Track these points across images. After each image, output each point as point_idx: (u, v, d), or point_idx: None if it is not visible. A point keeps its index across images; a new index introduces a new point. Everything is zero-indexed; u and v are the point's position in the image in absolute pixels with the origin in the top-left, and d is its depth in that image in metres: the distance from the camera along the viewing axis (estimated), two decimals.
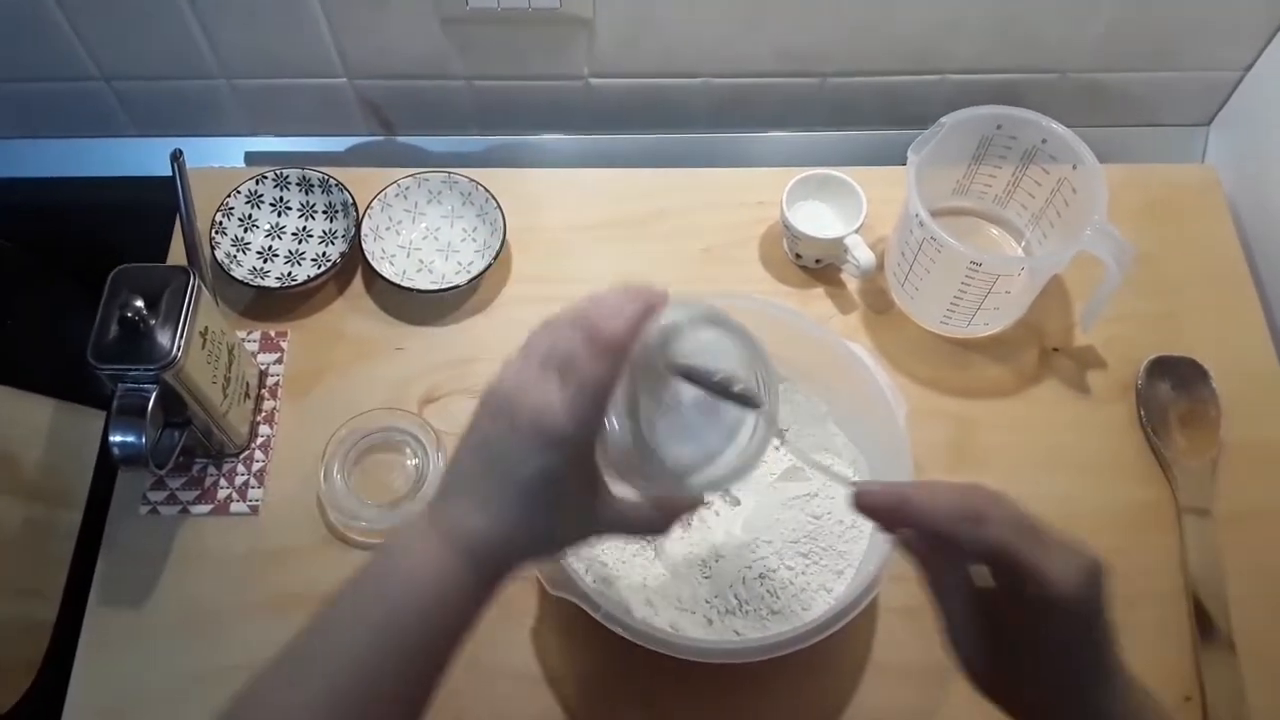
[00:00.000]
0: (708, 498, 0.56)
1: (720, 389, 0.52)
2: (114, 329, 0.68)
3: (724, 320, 0.53)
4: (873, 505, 0.49)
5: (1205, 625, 0.74)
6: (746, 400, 0.52)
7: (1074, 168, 0.79)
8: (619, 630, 0.64)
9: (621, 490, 0.53)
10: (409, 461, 0.81)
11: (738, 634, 0.70)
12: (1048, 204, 0.84)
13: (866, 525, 0.74)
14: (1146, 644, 0.75)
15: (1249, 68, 0.95)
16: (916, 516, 0.48)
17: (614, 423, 0.50)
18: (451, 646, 0.49)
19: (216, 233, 0.87)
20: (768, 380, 0.54)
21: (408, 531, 0.51)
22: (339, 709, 0.47)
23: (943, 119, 0.80)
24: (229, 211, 0.88)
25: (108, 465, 0.83)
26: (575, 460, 0.49)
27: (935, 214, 0.77)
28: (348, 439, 0.80)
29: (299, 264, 0.89)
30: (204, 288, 0.72)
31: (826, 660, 0.73)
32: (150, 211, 0.90)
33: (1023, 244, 0.89)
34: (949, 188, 0.89)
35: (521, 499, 0.49)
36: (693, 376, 0.52)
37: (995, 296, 0.79)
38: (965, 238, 0.75)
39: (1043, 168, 0.82)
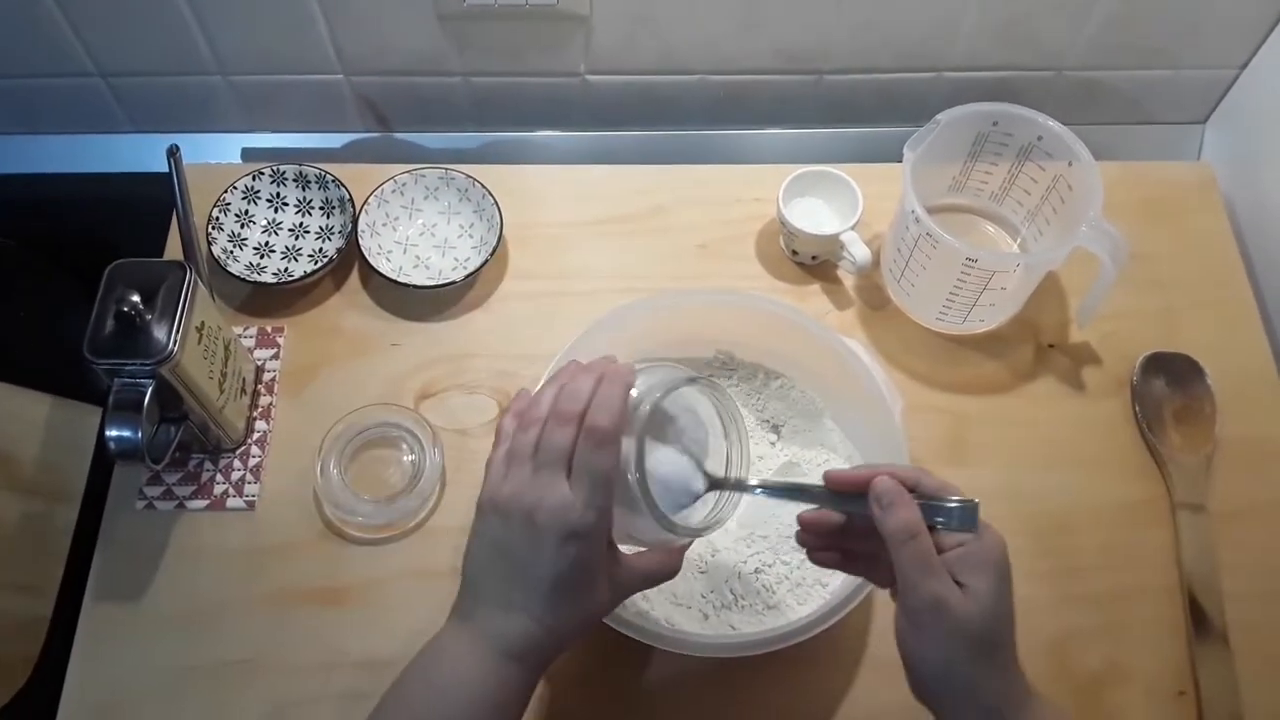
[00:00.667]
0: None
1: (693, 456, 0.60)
2: (110, 323, 0.68)
3: (684, 380, 0.57)
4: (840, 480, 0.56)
5: (1200, 620, 0.74)
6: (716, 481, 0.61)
7: (1070, 164, 0.79)
8: (615, 625, 0.64)
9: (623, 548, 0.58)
10: (405, 457, 0.81)
11: (733, 629, 0.70)
12: (1043, 201, 0.84)
13: None
14: (1141, 639, 0.75)
15: (1244, 65, 0.95)
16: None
17: (641, 513, 0.55)
18: None
19: (213, 228, 0.87)
20: (734, 424, 0.61)
21: (452, 645, 0.56)
22: None
23: (939, 116, 0.80)
24: (225, 207, 0.88)
25: (105, 461, 0.83)
26: (599, 544, 0.54)
27: (931, 211, 0.77)
28: (344, 434, 0.80)
29: (295, 260, 0.89)
30: (200, 283, 0.72)
31: (823, 654, 0.73)
32: (147, 207, 0.89)
33: (1018, 241, 0.89)
34: (945, 185, 0.89)
35: (559, 595, 0.53)
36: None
37: (991, 293, 0.79)
38: (961, 234, 0.76)
39: (1038, 165, 0.82)
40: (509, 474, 0.55)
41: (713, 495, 0.61)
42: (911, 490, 0.54)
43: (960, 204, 0.91)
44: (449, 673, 0.55)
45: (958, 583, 0.52)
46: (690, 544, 0.61)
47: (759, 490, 0.61)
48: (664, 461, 0.59)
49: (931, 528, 0.53)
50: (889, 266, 0.87)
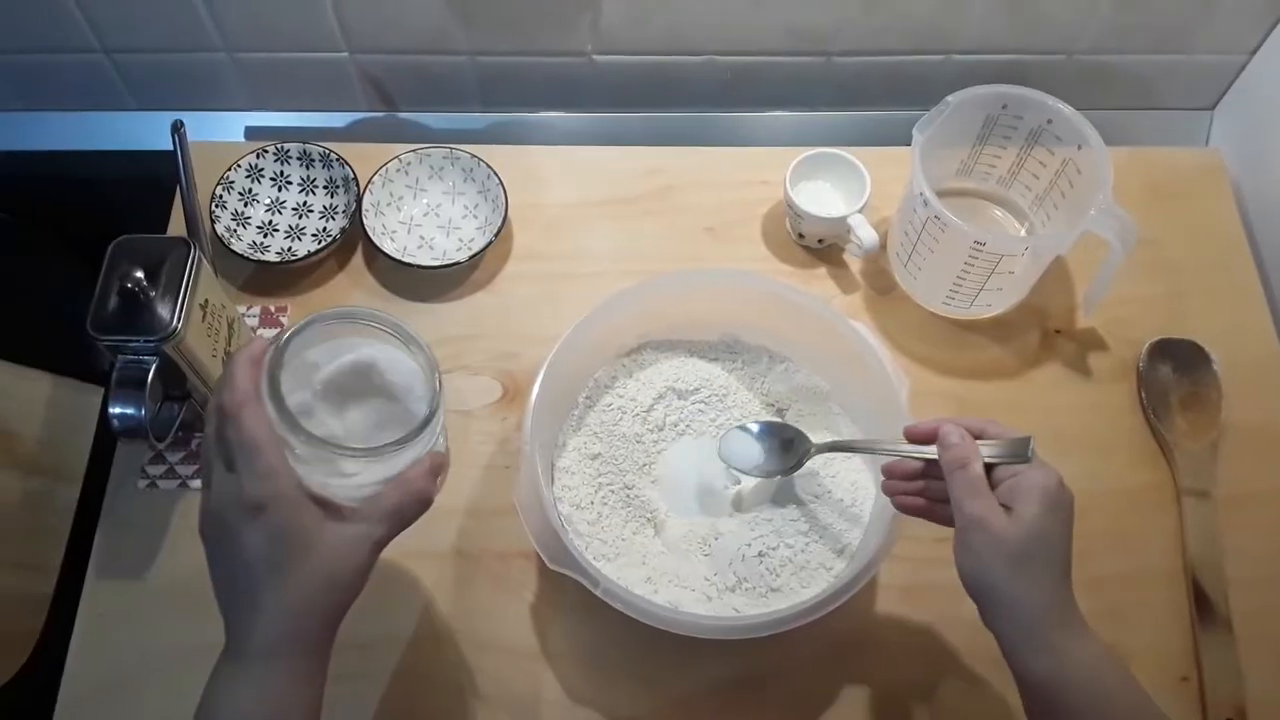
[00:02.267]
0: (439, 446, 0.60)
1: (345, 378, 0.57)
2: (114, 300, 0.67)
3: (328, 316, 0.56)
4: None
5: (1204, 606, 0.74)
6: (365, 366, 0.58)
7: (1079, 148, 0.79)
8: (618, 606, 0.64)
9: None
10: None
11: (736, 611, 0.70)
12: (1052, 185, 0.83)
13: (866, 504, 0.74)
14: (1145, 624, 0.75)
15: (1254, 51, 0.94)
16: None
17: (312, 454, 0.53)
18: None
19: (216, 206, 0.86)
20: (400, 335, 0.58)
21: (213, 682, 0.53)
22: None
23: (948, 98, 0.79)
24: (229, 185, 0.88)
25: (107, 440, 0.83)
26: (287, 509, 0.51)
27: (939, 195, 0.76)
28: None
29: (299, 239, 0.88)
30: (204, 260, 0.72)
31: (826, 637, 0.73)
32: (151, 185, 0.89)
33: (1026, 225, 0.89)
34: (953, 168, 0.89)
35: (274, 574, 0.51)
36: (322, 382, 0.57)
37: (998, 277, 0.79)
38: (968, 219, 0.75)
39: (1048, 149, 0.82)
40: (202, 492, 0.54)
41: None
42: (978, 436, 0.60)
43: (968, 188, 0.90)
44: (217, 713, 0.53)
45: (1006, 508, 0.57)
46: (432, 464, 0.57)
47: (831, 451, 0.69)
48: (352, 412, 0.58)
49: (991, 466, 0.58)
50: (896, 250, 0.86)
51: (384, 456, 0.54)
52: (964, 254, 0.77)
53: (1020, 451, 0.58)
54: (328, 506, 0.53)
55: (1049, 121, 0.80)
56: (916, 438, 0.63)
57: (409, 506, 0.56)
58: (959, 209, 0.76)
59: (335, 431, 0.57)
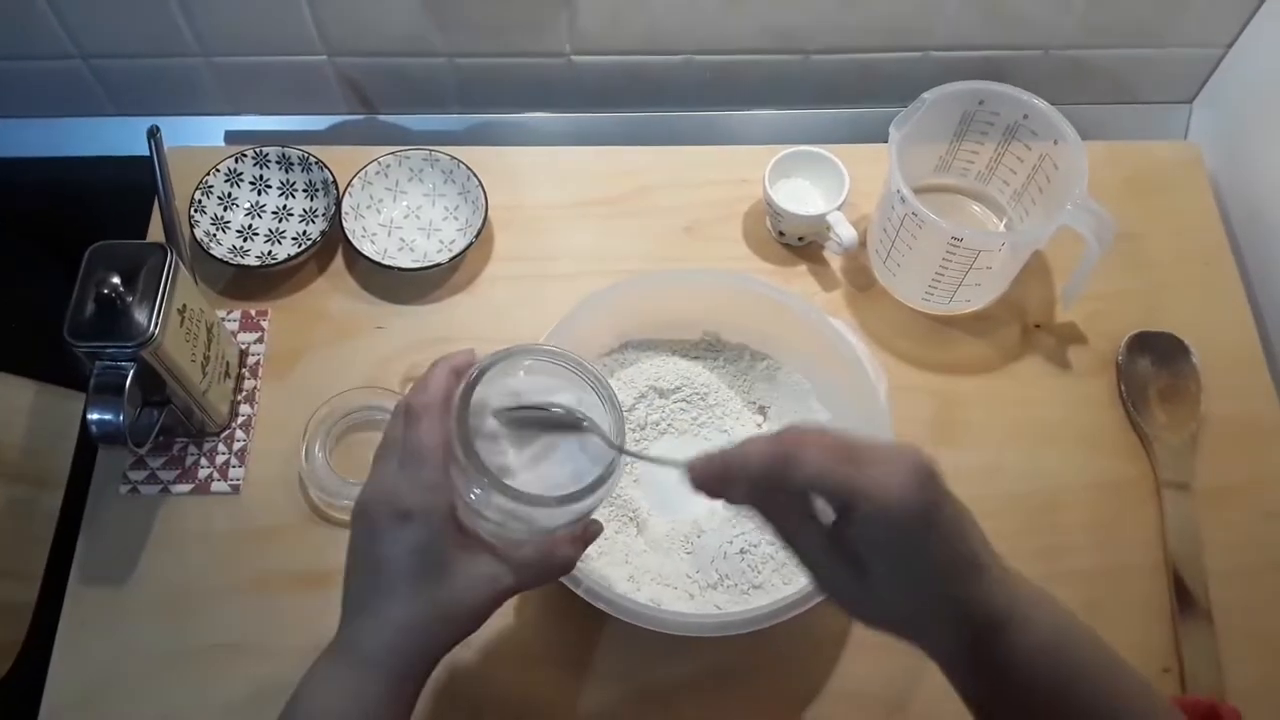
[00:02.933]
0: (603, 523, 0.58)
1: (539, 420, 0.55)
2: (90, 306, 0.67)
3: (539, 351, 0.56)
4: (702, 477, 0.48)
5: (1184, 598, 0.75)
6: (568, 422, 0.55)
7: (1055, 143, 0.79)
8: (601, 605, 0.64)
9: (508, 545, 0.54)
10: None
11: (719, 608, 0.70)
12: (1029, 180, 0.84)
13: None
14: (1126, 616, 0.75)
15: (1230, 45, 0.95)
16: (738, 476, 0.47)
17: (473, 483, 0.51)
18: None
19: (196, 211, 0.86)
20: (600, 391, 0.56)
21: (316, 671, 0.52)
22: None
23: (924, 94, 0.79)
24: (208, 190, 0.88)
25: (89, 446, 0.82)
26: (437, 526, 0.50)
27: (917, 191, 0.77)
28: (329, 417, 0.80)
29: (279, 242, 0.88)
30: (182, 265, 0.72)
31: (809, 633, 0.73)
32: (130, 191, 0.89)
33: (1005, 221, 0.89)
34: (931, 165, 0.89)
35: (403, 584, 0.51)
36: (513, 416, 0.54)
37: (977, 273, 0.79)
38: (947, 214, 0.75)
39: (1024, 144, 0.82)
40: (367, 479, 0.53)
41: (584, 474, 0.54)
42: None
43: (947, 184, 0.90)
44: (308, 701, 0.52)
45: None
46: (584, 533, 0.56)
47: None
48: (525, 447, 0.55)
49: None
50: (875, 247, 0.87)
51: (542, 508, 0.52)
52: (942, 250, 0.77)
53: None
54: (472, 537, 0.52)
55: (1025, 117, 0.80)
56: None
57: (547, 568, 0.55)
58: (937, 205, 0.77)
59: (512, 465, 0.54)
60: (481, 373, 0.53)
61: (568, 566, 0.56)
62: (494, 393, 0.54)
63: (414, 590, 0.51)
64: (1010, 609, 0.47)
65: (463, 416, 0.51)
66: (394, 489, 0.51)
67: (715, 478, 0.48)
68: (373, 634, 0.51)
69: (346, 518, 0.77)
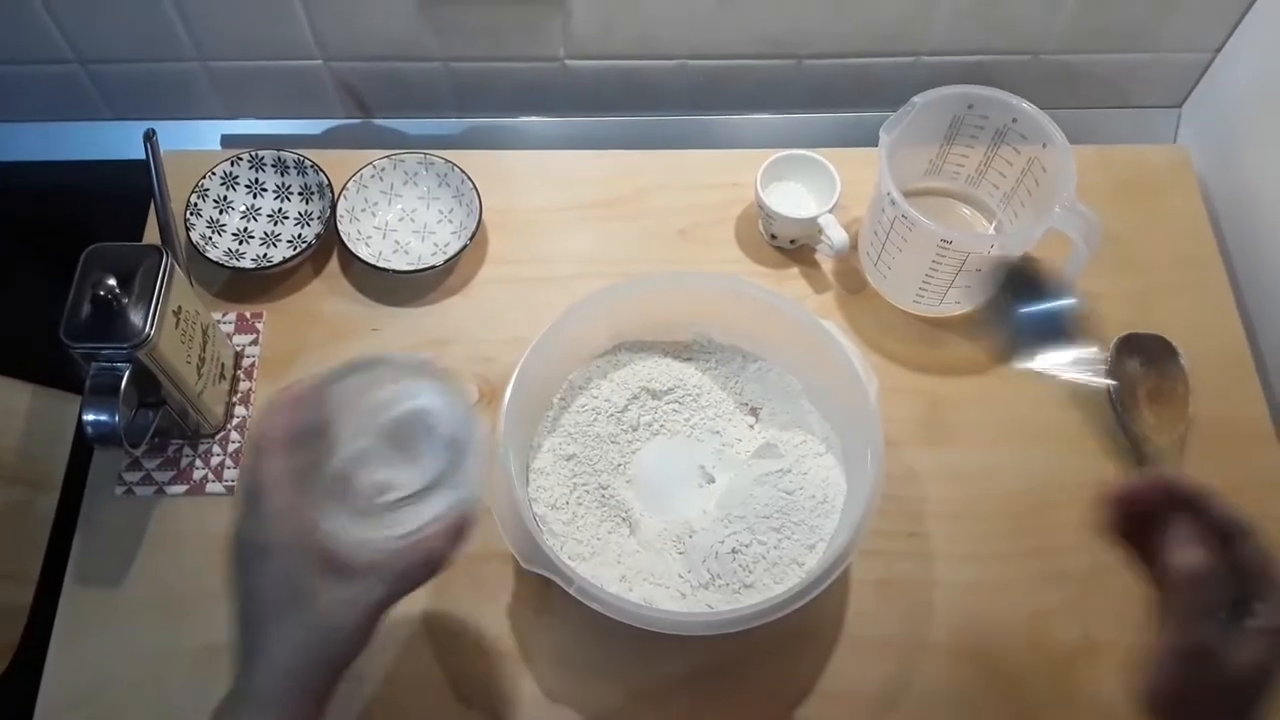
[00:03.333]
0: (471, 507, 0.55)
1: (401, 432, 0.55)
2: (86, 308, 0.68)
3: (381, 361, 0.55)
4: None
5: None
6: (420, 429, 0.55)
7: (1044, 147, 0.80)
8: (593, 604, 0.65)
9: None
10: None
11: (710, 607, 0.71)
12: (1019, 184, 0.84)
13: (838, 501, 0.75)
14: (1115, 615, 0.76)
15: (1219, 50, 0.95)
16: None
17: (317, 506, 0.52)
18: None
19: (191, 214, 0.87)
20: (450, 387, 0.56)
21: None
22: None
23: (914, 99, 0.80)
24: (204, 193, 0.88)
25: (85, 448, 0.83)
26: (296, 557, 0.51)
27: (908, 194, 0.77)
28: None
29: (275, 245, 0.89)
30: (177, 267, 0.72)
31: (800, 633, 0.74)
32: (126, 195, 0.89)
33: (994, 224, 0.90)
34: (921, 168, 0.90)
35: (273, 625, 0.51)
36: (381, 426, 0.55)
37: (966, 275, 0.80)
38: (937, 217, 0.76)
39: (1014, 147, 0.83)
40: None
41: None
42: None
43: (937, 187, 0.91)
44: None
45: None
46: (455, 524, 0.54)
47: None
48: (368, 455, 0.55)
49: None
50: (866, 250, 0.87)
51: (387, 515, 0.52)
52: (932, 252, 0.78)
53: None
54: (335, 561, 0.51)
55: (1014, 120, 0.81)
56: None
57: (416, 569, 0.53)
58: (928, 208, 0.77)
59: (388, 480, 0.54)
60: (319, 390, 0.53)
61: (437, 562, 0.54)
62: (363, 414, 0.55)
63: (289, 620, 0.51)
64: None
65: (303, 437, 0.52)
66: (250, 526, 0.52)
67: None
68: (265, 669, 0.51)
69: None
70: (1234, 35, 0.94)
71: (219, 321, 0.85)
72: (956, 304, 0.85)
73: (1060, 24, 0.92)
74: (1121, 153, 0.97)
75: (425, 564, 0.53)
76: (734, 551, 0.72)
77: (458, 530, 0.54)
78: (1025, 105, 0.80)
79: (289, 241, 0.89)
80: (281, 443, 0.52)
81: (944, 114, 0.83)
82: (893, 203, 0.77)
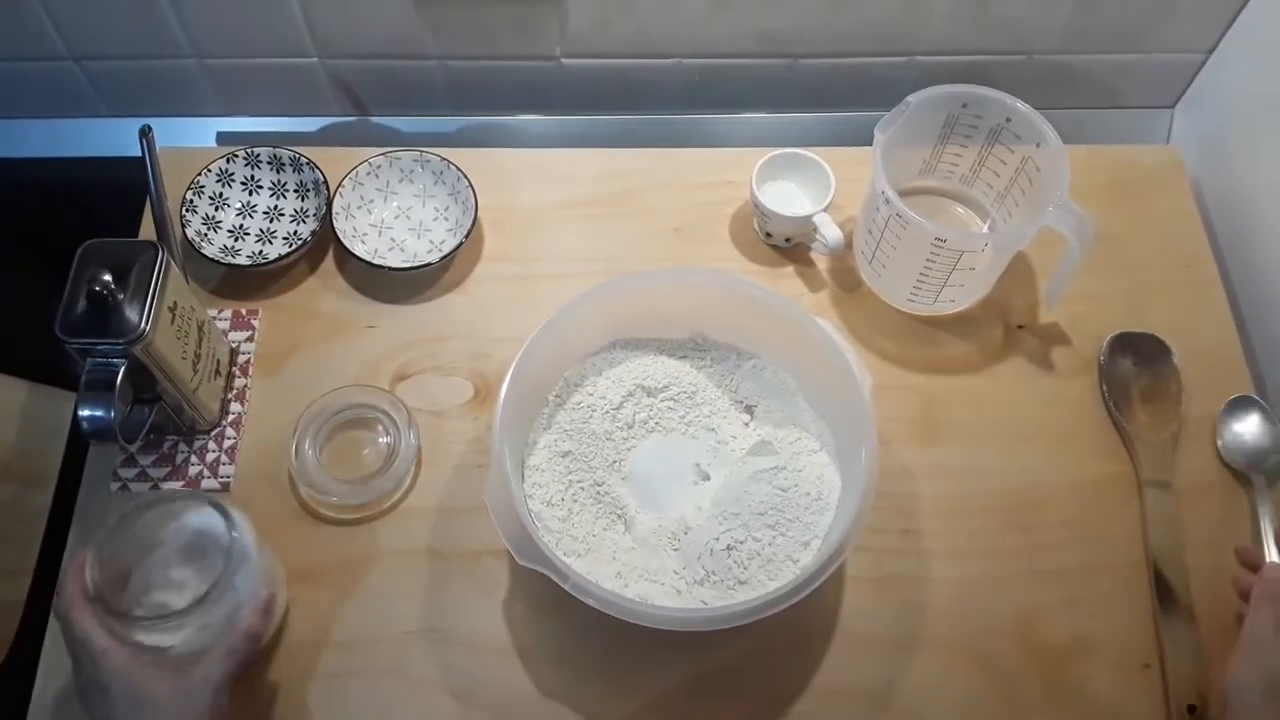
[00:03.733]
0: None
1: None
2: (82, 303, 0.68)
3: (134, 509, 0.66)
4: None
5: (1165, 595, 0.76)
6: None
7: (1037, 146, 0.80)
8: (588, 600, 0.65)
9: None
10: (380, 439, 0.81)
11: (705, 604, 0.71)
12: (1012, 183, 0.85)
13: (832, 498, 0.75)
14: (1108, 613, 0.76)
15: (1211, 50, 0.96)
16: None
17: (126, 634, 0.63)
18: None
19: (187, 211, 0.87)
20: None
21: None
22: None
23: (908, 98, 0.80)
24: (200, 190, 0.88)
25: (79, 444, 0.83)
26: (126, 679, 0.61)
27: (902, 193, 0.78)
28: (319, 415, 0.80)
29: (270, 242, 0.89)
30: (173, 263, 0.72)
31: (794, 629, 0.74)
32: (123, 191, 0.89)
33: (988, 222, 0.90)
34: (916, 168, 0.90)
35: None
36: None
37: (960, 273, 0.80)
38: (931, 216, 0.76)
39: (1008, 147, 0.83)
40: None
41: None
42: None
43: (931, 186, 0.91)
44: None
45: None
46: (264, 604, 0.67)
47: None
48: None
49: None
50: (861, 248, 0.88)
51: (187, 619, 0.63)
52: (926, 251, 0.78)
53: None
54: (167, 665, 0.62)
55: (1008, 120, 0.81)
56: (1246, 563, 0.74)
57: (240, 647, 0.64)
58: (922, 207, 0.78)
59: (185, 596, 0.65)
60: (97, 551, 0.63)
61: (257, 636, 0.66)
62: (146, 546, 0.67)
63: None
64: None
65: (97, 591, 0.62)
66: (86, 675, 0.62)
67: None
68: None
69: (335, 515, 0.78)
70: (1227, 36, 0.94)
71: (215, 318, 0.85)
72: (951, 303, 0.85)
73: (1054, 24, 0.93)
74: (1114, 153, 0.97)
75: (246, 639, 0.65)
76: (729, 548, 0.72)
77: (265, 609, 0.67)
78: (1019, 105, 0.80)
79: (284, 238, 0.89)
80: (80, 599, 0.62)
81: (939, 113, 0.84)
82: (887, 201, 0.77)
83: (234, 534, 0.65)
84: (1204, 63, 0.97)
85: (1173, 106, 1.03)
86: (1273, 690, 0.64)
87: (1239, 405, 0.83)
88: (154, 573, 0.67)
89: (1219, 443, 0.82)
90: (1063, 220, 0.75)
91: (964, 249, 0.77)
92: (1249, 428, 0.82)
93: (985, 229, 0.90)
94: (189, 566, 0.68)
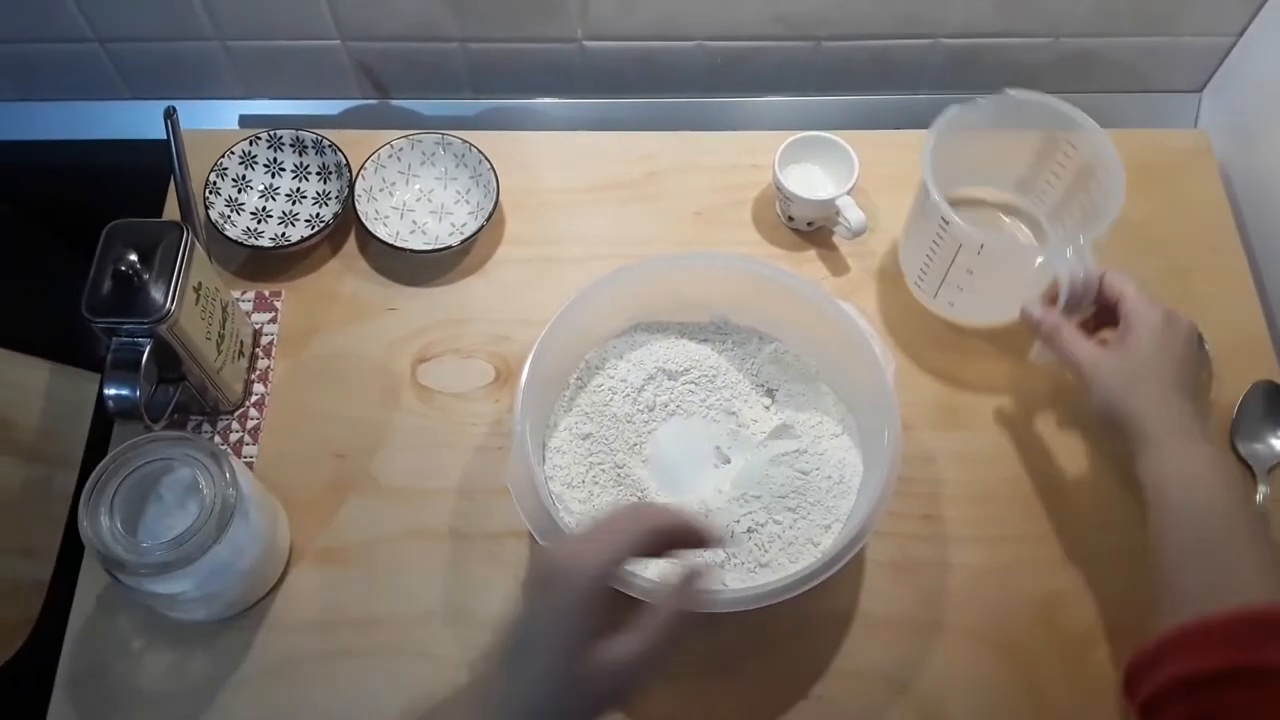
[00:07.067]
0: None
1: None
2: (108, 283, 0.68)
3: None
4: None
5: None
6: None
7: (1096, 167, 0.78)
8: (610, 582, 0.65)
9: None
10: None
11: (725, 586, 0.71)
12: (1071, 198, 0.82)
13: (854, 481, 0.75)
14: (1128, 599, 0.76)
15: (1241, 33, 0.95)
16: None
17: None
18: None
19: (210, 193, 0.87)
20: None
21: None
22: None
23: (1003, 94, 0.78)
24: (223, 172, 0.88)
25: (104, 426, 0.83)
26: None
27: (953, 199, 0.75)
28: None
29: (293, 224, 0.89)
30: (197, 243, 0.72)
31: (815, 612, 0.74)
32: (145, 174, 0.90)
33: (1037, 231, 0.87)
34: (973, 172, 0.86)
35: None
36: None
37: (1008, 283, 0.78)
38: (981, 225, 0.74)
39: (1066, 154, 0.81)
40: None
41: None
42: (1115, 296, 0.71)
43: (976, 196, 0.88)
44: None
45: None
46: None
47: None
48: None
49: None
50: (917, 271, 0.84)
51: (173, 564, 0.63)
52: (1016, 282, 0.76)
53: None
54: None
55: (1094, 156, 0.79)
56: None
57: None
58: (973, 218, 0.75)
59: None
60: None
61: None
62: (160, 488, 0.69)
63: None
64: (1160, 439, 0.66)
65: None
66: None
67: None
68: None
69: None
70: (1256, 19, 0.93)
71: (238, 299, 0.85)
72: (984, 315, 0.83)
73: (1081, 6, 0.92)
74: (1141, 136, 0.96)
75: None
76: (750, 531, 0.72)
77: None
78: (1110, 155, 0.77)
79: (307, 221, 0.89)
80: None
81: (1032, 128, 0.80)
82: (946, 223, 0.75)
83: (209, 476, 0.66)
84: (1232, 46, 0.96)
85: (1201, 90, 1.02)
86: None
87: (1255, 392, 0.82)
88: (157, 523, 0.68)
89: (1232, 429, 0.81)
90: (1064, 264, 0.72)
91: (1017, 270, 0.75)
92: (1256, 415, 0.82)
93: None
94: (184, 514, 0.67)
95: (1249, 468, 0.80)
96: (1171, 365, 0.68)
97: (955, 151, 0.78)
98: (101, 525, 0.64)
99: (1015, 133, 0.83)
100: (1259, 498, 0.78)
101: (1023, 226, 0.88)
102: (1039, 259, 0.76)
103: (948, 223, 0.75)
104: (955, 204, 0.75)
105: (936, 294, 0.83)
